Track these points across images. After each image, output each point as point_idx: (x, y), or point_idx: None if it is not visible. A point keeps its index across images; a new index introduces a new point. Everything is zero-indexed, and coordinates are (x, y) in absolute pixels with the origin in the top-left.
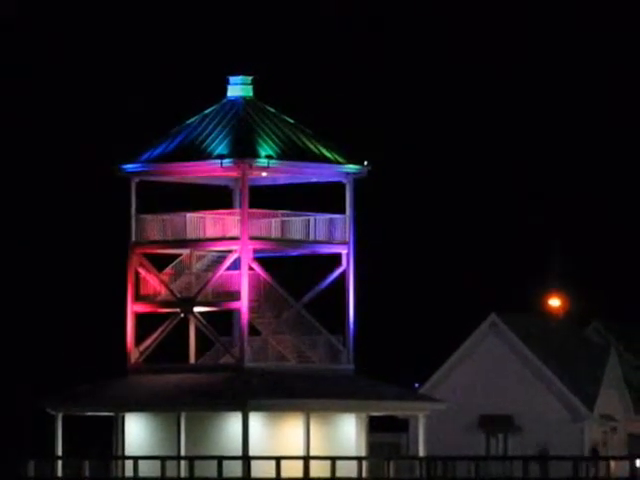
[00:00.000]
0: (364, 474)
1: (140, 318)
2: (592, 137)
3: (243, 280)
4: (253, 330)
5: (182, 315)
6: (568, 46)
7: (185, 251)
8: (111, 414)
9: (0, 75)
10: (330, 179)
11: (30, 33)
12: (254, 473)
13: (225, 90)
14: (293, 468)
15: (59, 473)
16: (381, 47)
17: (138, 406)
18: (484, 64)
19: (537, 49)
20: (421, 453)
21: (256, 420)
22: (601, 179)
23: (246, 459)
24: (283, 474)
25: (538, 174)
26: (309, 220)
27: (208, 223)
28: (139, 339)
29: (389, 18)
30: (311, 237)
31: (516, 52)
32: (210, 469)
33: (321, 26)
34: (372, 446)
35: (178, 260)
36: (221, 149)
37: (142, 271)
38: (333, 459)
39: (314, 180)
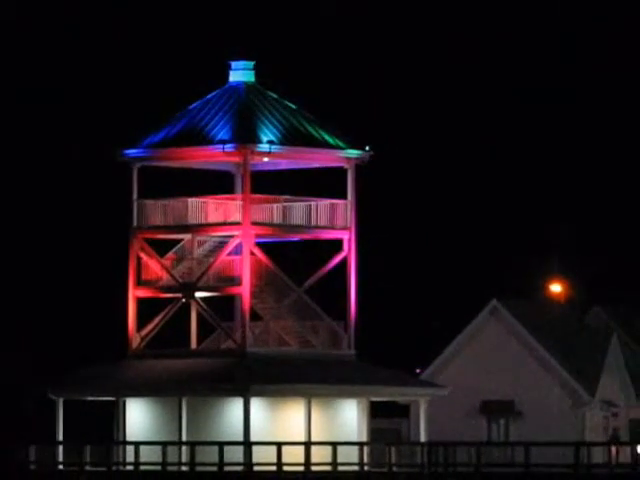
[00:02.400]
0: (365, 459)
1: (142, 303)
2: (598, 123)
3: (245, 265)
4: (255, 315)
5: (183, 300)
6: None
7: (187, 236)
8: (112, 399)
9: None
10: (332, 164)
11: (32, 18)
12: (255, 458)
13: (227, 75)
14: (294, 453)
15: (60, 458)
16: (384, 30)
17: (139, 391)
18: (491, 48)
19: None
20: (422, 438)
21: (257, 405)
22: (602, 166)
23: (247, 444)
24: (284, 459)
25: (541, 159)
26: (311, 205)
27: (210, 208)
28: (141, 324)
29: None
30: (313, 222)
31: (531, 35)
32: (211, 454)
33: (323, 10)
34: (373, 431)
35: (180, 245)
36: (223, 134)
37: (144, 256)
38: (334, 444)
39: (316, 165)
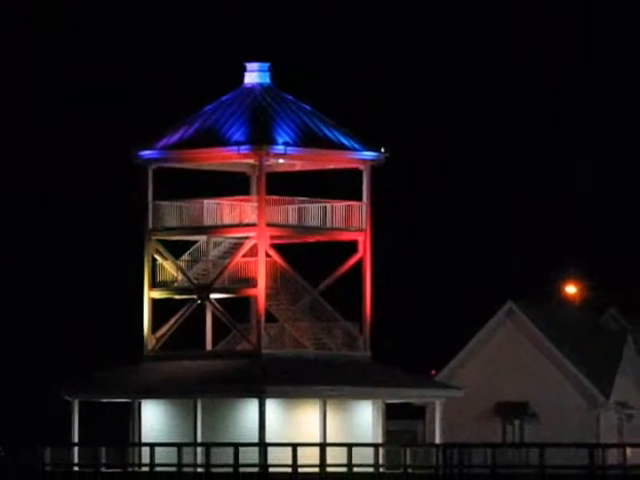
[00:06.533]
0: (380, 461)
1: (157, 305)
2: (618, 124)
3: (260, 267)
4: (270, 317)
5: (199, 302)
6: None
7: (202, 238)
8: (128, 400)
9: (16, 57)
10: (347, 166)
11: (49, 15)
12: (270, 460)
13: (242, 77)
14: (309, 455)
15: (75, 459)
16: (401, 31)
17: (155, 393)
18: (503, 49)
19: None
20: (437, 440)
21: (273, 407)
22: (618, 167)
23: (262, 446)
24: (299, 461)
25: (559, 159)
26: (326, 207)
27: (225, 210)
28: (156, 326)
29: (410, 3)
30: (328, 224)
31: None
32: (226, 456)
33: (339, 12)
34: (388, 433)
35: (195, 247)
36: (238, 136)
37: (159, 258)
38: (349, 446)
39: (331, 167)
